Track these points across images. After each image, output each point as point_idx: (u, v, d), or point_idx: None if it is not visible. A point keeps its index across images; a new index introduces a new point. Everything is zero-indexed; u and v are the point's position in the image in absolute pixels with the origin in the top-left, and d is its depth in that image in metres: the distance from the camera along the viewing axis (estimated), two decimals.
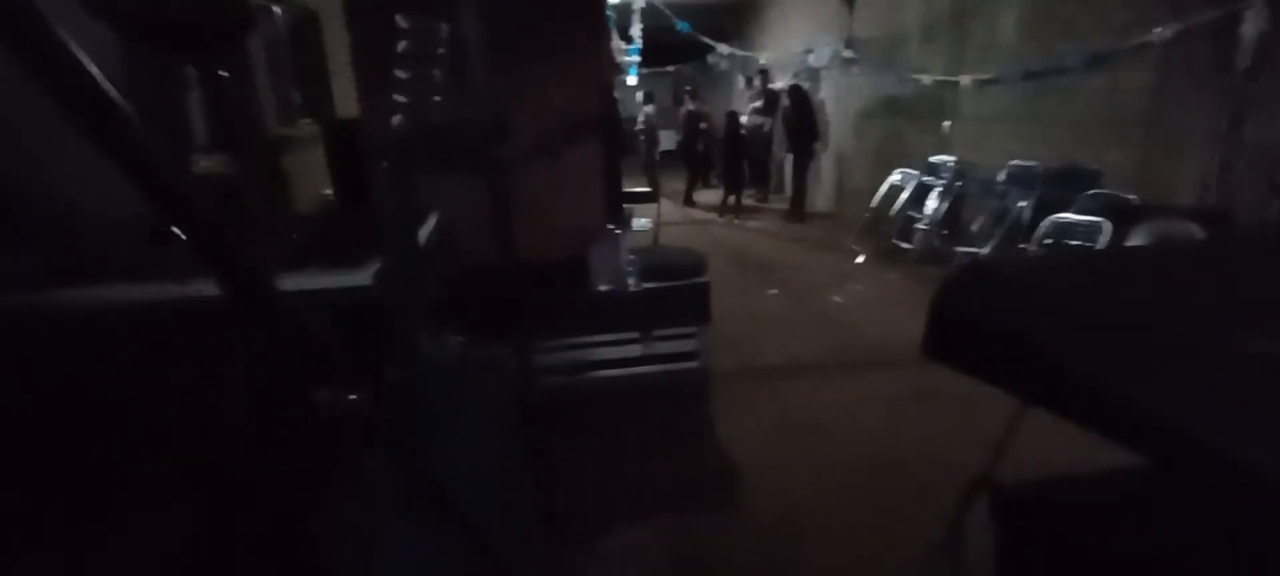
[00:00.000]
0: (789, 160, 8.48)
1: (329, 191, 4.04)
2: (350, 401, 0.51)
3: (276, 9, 5.05)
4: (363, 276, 1.68)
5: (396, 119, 1.18)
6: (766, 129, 8.82)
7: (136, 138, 0.37)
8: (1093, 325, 0.67)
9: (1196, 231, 3.42)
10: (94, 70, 0.35)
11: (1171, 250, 1.49)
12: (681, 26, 8.53)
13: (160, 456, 1.61)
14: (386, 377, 1.12)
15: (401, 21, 1.18)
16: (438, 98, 1.25)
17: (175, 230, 0.40)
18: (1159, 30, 3.93)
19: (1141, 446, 0.59)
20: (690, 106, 10.38)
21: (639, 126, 9.64)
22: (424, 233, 2.06)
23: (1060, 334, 0.67)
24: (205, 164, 1.79)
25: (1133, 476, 0.85)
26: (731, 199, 8.71)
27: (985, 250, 4.90)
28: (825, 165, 8.96)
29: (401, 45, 1.19)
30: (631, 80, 9.06)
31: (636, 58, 8.97)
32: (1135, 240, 3.45)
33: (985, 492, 1.00)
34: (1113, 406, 0.59)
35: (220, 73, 1.82)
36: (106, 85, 0.35)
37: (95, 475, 1.80)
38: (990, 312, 0.76)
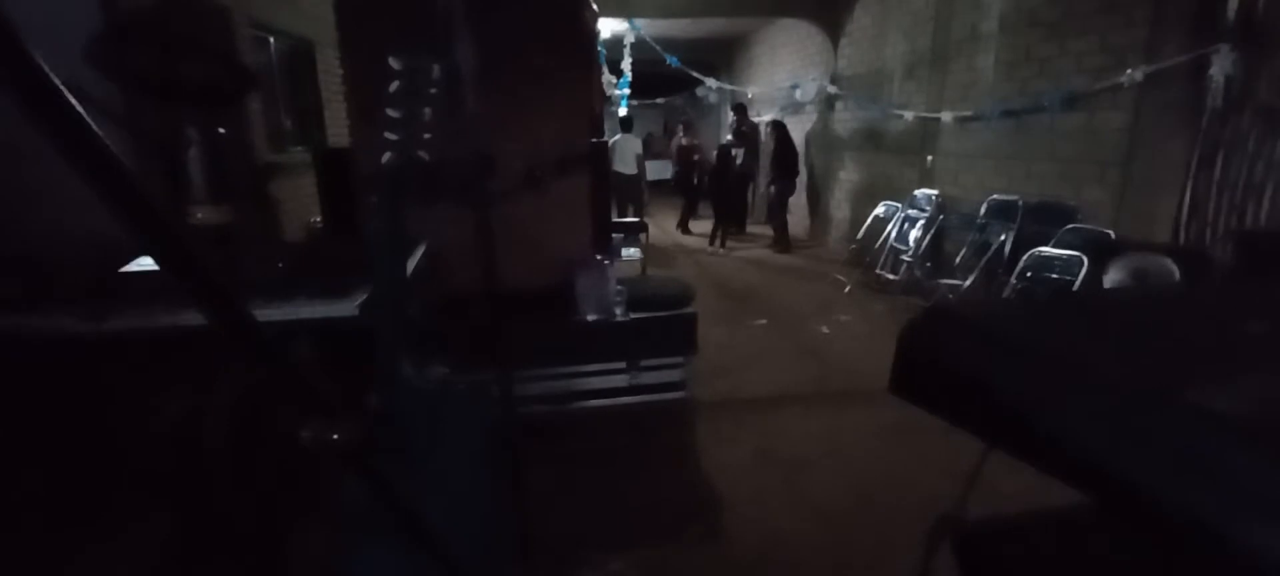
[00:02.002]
0: (772, 192, 8.65)
1: (317, 219, 4.06)
2: (334, 440, 0.52)
3: (272, 39, 5.11)
4: (348, 307, 1.70)
5: (386, 155, 1.21)
6: (739, 161, 9.00)
7: (132, 188, 0.39)
8: (1048, 369, 0.70)
9: (1171, 266, 3.51)
10: (93, 125, 0.37)
11: (1139, 297, 1.53)
12: (671, 61, 8.69)
13: (138, 481, 1.60)
14: (370, 407, 1.13)
15: (394, 62, 1.22)
16: (428, 135, 1.28)
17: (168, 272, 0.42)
18: (1131, 72, 4.07)
19: (1090, 492, 0.62)
20: (682, 139, 10.56)
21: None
22: (412, 262, 2.09)
23: (1013, 376, 0.70)
24: (201, 215, 1.85)
25: (1091, 515, 0.87)
26: (720, 229, 8.83)
27: (966, 282, 4.98)
28: (814, 197, 9.11)
29: (393, 85, 1.22)
30: (622, 111, 9.20)
31: (626, 90, 9.12)
32: (1112, 274, 3.53)
33: (949, 531, 1.02)
34: (1064, 452, 0.62)
35: (219, 131, 1.91)
36: (105, 141, 0.38)
37: (72, 495, 1.78)
38: (950, 353, 0.79)
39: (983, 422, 0.72)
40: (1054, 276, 3.98)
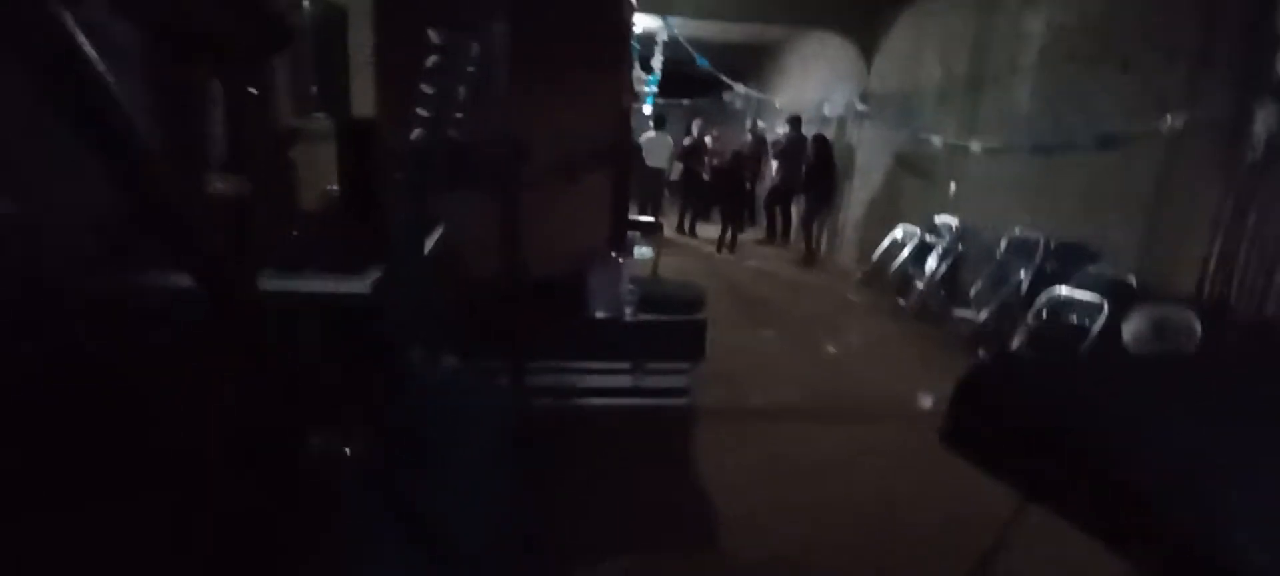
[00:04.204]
0: (800, 204, 8.54)
1: (334, 187, 4.02)
2: (346, 454, 0.49)
3: (305, 2, 5.08)
4: (361, 284, 1.66)
5: (417, 132, 1.18)
6: (783, 177, 8.88)
7: (145, 157, 0.35)
8: (1126, 436, 0.66)
9: (1193, 321, 3.43)
10: (112, 86, 0.34)
11: (1203, 359, 1.48)
12: (701, 62, 8.63)
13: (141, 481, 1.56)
14: (381, 411, 1.10)
15: (434, 36, 1.18)
16: (460, 114, 1.24)
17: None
18: (1170, 118, 3.98)
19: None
20: (691, 140, 10.47)
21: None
22: (429, 243, 2.05)
23: (1097, 441, 0.66)
24: (221, 186, 1.73)
25: None
26: (728, 234, 8.77)
27: (981, 315, 4.91)
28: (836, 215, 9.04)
29: (431, 60, 1.19)
30: (647, 109, 9.15)
31: (654, 88, 9.07)
32: (1132, 323, 3.45)
33: None
34: (1141, 524, 0.58)
35: (249, 90, 1.77)
36: (121, 100, 0.34)
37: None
38: (1018, 410, 0.75)
39: (1050, 486, 0.68)
40: (1072, 320, 3.91)
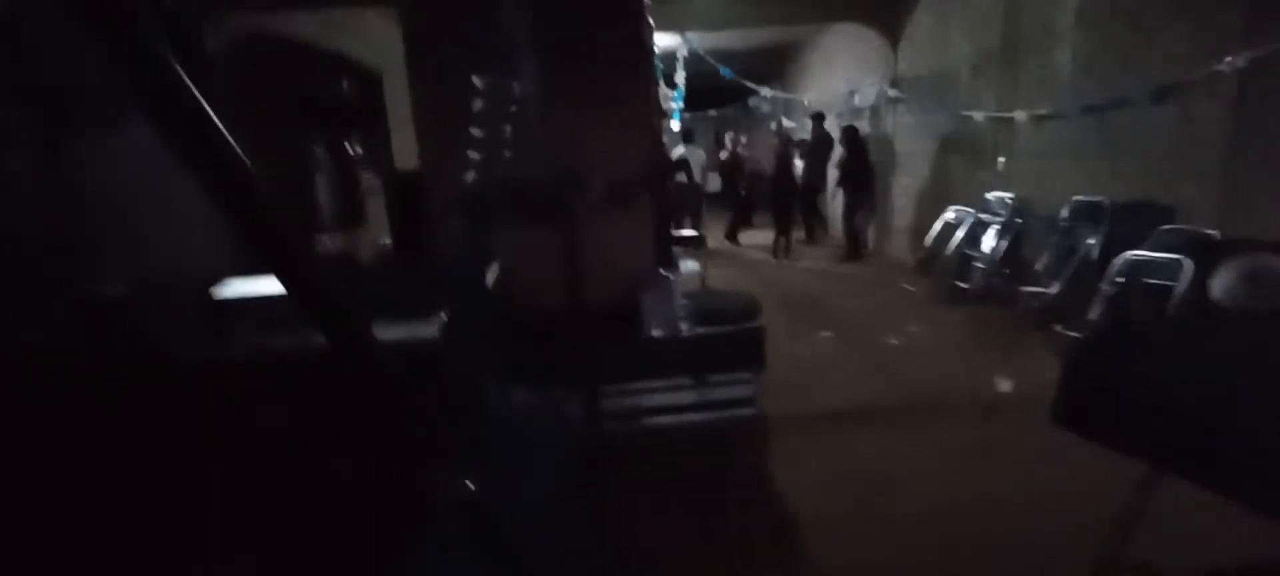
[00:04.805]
0: (840, 200, 8.40)
1: (386, 240, 4.17)
2: (463, 487, 0.49)
3: (344, 81, 5.32)
4: (429, 329, 1.70)
5: (470, 175, 1.20)
6: (805, 170, 8.79)
7: (270, 218, 0.37)
8: (1257, 394, 0.61)
9: None
10: (235, 147, 0.35)
11: None
12: (725, 72, 8.64)
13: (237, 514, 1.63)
14: (471, 434, 1.11)
15: (477, 81, 1.21)
16: (508, 153, 1.27)
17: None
18: (1230, 59, 3.76)
19: None
20: (727, 150, 10.47)
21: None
22: (489, 282, 2.09)
23: (1224, 402, 0.61)
24: (329, 243, 1.81)
25: None
26: (783, 239, 8.64)
27: (1053, 289, 4.69)
28: (877, 204, 8.84)
29: (476, 104, 1.21)
30: (675, 125, 9.20)
31: (681, 103, 9.12)
32: (1222, 277, 3.23)
33: None
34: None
35: (353, 150, 1.86)
36: (244, 161, 0.36)
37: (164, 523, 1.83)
38: (1141, 379, 0.70)
39: (1181, 456, 0.63)
40: (1152, 281, 3.69)
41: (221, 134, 0.31)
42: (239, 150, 0.33)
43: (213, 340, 1.54)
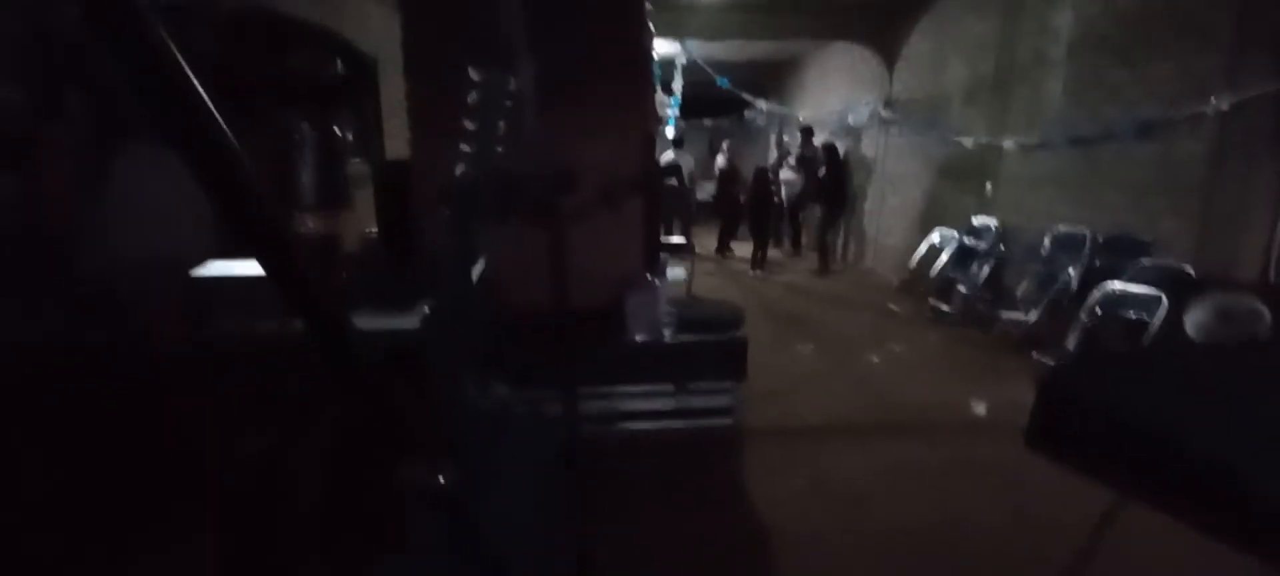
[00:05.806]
0: (819, 215, 8.49)
1: (372, 229, 4.13)
2: (437, 483, 0.49)
3: (338, 61, 5.27)
4: (410, 321, 1.69)
5: (461, 168, 1.20)
6: (799, 187, 8.88)
7: (253, 194, 0.36)
8: (1231, 426, 0.62)
9: (1260, 307, 3.26)
10: (221, 122, 0.35)
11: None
12: (721, 82, 8.68)
13: (204, 496, 1.61)
14: (449, 428, 1.10)
15: (473, 73, 1.20)
16: (501, 148, 1.26)
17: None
18: (1215, 100, 3.85)
19: None
20: (723, 161, 10.49)
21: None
22: (474, 276, 2.08)
23: (1199, 432, 0.62)
24: (311, 223, 1.79)
25: None
26: (760, 253, 8.70)
27: (1031, 316, 4.76)
28: (863, 223, 8.92)
29: (471, 95, 1.21)
30: (670, 131, 9.22)
31: (677, 110, 9.15)
32: (1194, 314, 3.30)
33: None
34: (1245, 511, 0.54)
35: (336, 131, 1.85)
36: (229, 135, 0.35)
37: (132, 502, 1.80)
38: (1110, 406, 0.71)
39: (1155, 486, 0.64)
40: (1130, 315, 3.76)
41: (206, 107, 0.31)
42: (223, 124, 0.32)
43: (192, 325, 1.52)
